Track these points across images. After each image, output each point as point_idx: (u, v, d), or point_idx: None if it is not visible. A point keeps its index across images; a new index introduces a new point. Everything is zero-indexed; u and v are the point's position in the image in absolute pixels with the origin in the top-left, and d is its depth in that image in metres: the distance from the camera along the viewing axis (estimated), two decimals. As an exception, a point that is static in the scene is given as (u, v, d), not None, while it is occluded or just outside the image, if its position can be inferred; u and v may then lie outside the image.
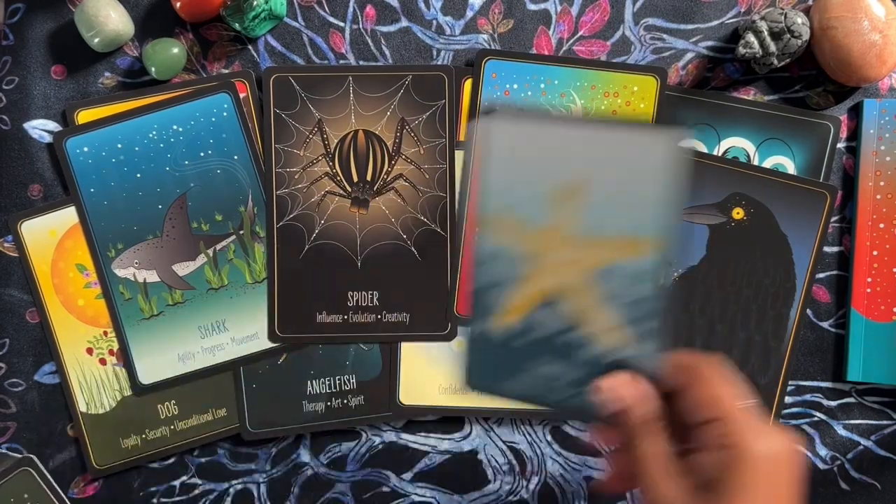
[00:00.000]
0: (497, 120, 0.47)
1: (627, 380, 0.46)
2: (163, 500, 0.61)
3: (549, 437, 0.62)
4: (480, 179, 0.48)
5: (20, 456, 0.59)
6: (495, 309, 0.49)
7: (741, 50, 0.57)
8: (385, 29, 0.61)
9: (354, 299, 0.60)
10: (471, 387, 0.50)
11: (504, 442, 0.62)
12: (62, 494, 0.60)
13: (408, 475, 0.62)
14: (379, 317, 0.60)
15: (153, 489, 0.61)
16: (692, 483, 0.45)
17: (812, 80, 0.61)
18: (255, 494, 0.61)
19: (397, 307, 0.61)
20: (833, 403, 0.61)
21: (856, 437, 0.61)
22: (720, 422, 0.44)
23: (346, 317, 0.60)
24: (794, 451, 0.45)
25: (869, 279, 0.60)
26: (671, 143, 0.47)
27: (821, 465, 0.61)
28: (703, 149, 0.60)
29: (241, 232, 0.60)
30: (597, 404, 0.46)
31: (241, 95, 0.60)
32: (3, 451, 0.60)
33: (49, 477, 0.59)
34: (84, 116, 0.60)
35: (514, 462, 0.62)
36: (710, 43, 0.61)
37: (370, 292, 0.61)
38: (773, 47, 0.57)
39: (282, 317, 0.60)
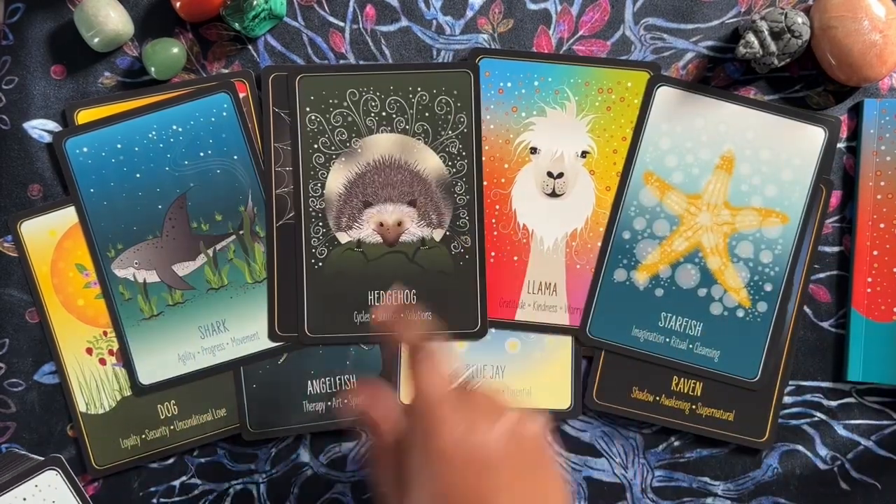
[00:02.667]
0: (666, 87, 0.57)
1: (377, 388, 0.47)
2: (162, 500, 0.61)
3: (548, 437, 0.61)
4: (644, 141, 0.58)
5: (42, 458, 0.59)
6: (641, 261, 0.59)
7: (741, 50, 0.57)
8: (385, 29, 0.61)
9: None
10: (589, 336, 0.59)
11: (504, 442, 0.62)
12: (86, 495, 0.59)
13: (408, 475, 0.62)
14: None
15: (153, 489, 0.61)
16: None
17: (812, 80, 0.61)
18: (255, 494, 0.61)
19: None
20: (833, 403, 0.61)
21: (856, 437, 0.61)
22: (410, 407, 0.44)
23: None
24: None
25: (869, 279, 0.60)
26: (819, 134, 0.58)
27: (821, 465, 0.61)
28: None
29: (241, 232, 0.60)
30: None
31: (241, 95, 0.60)
32: (23, 452, 0.60)
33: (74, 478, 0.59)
34: (84, 116, 0.60)
35: (514, 462, 0.61)
36: (710, 43, 0.61)
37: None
38: (773, 47, 0.57)
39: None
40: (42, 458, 0.58)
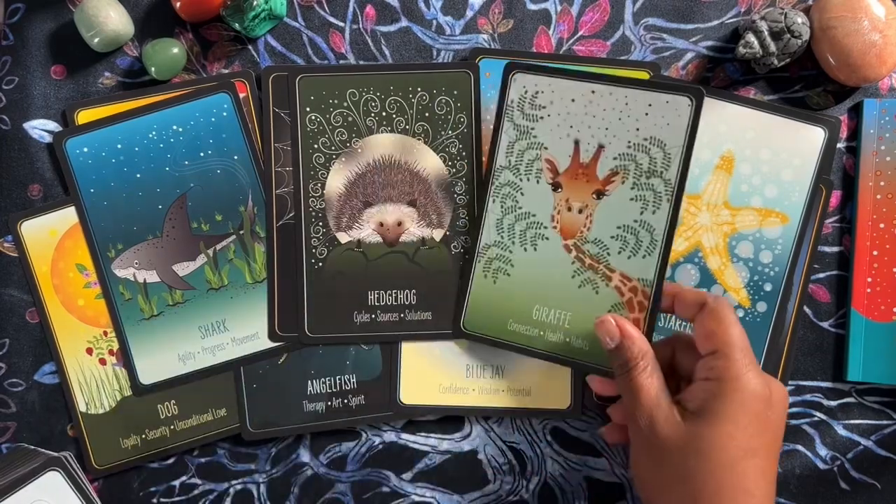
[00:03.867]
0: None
1: (625, 320, 0.54)
2: (162, 500, 0.61)
3: (549, 437, 0.62)
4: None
5: (51, 455, 0.58)
6: None
7: (741, 50, 0.57)
8: (385, 29, 0.61)
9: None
10: None
11: (504, 442, 0.62)
12: (91, 494, 0.59)
13: (408, 475, 0.62)
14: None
15: (153, 489, 0.61)
16: (682, 410, 0.49)
17: (812, 80, 0.61)
18: (255, 494, 0.61)
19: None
20: (833, 403, 0.61)
21: (856, 437, 0.61)
22: (717, 354, 0.49)
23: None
24: (782, 395, 0.50)
25: (869, 279, 0.60)
26: (819, 134, 0.58)
27: (821, 465, 0.61)
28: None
29: (241, 232, 0.60)
30: (602, 337, 0.54)
31: (241, 95, 0.60)
32: (31, 447, 0.60)
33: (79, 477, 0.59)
34: (84, 116, 0.60)
35: (514, 462, 0.62)
36: (710, 43, 0.61)
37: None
38: (773, 47, 0.57)
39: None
40: (53, 454, 0.58)
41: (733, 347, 0.49)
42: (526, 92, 0.58)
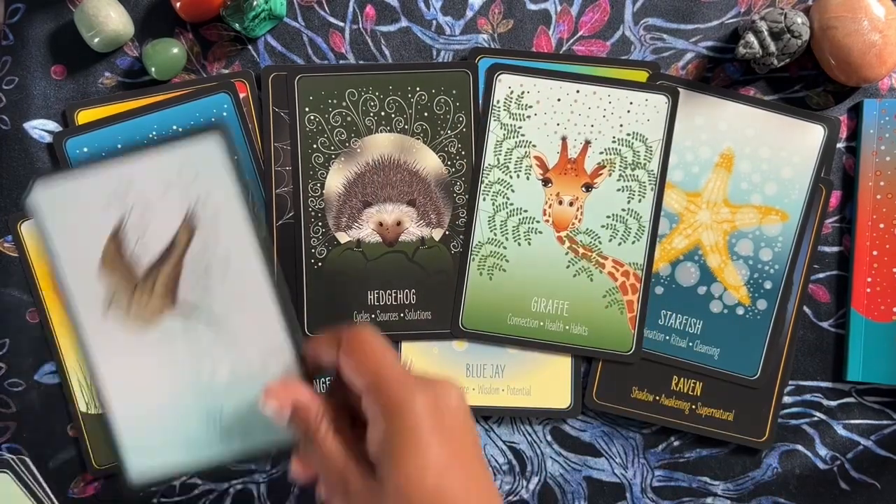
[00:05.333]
0: None
1: (289, 383, 0.44)
2: (163, 500, 0.61)
3: (549, 437, 0.62)
4: None
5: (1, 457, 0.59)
6: None
7: (741, 50, 0.57)
8: (385, 29, 0.61)
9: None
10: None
11: (504, 442, 0.62)
12: (45, 497, 0.59)
13: (408, 475, 0.62)
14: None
15: (153, 489, 0.61)
16: (367, 463, 0.41)
17: (812, 80, 0.61)
18: (255, 494, 0.61)
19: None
20: (833, 403, 0.61)
21: (856, 437, 0.61)
22: (370, 388, 0.41)
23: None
24: (455, 394, 0.41)
25: (869, 279, 0.60)
26: (819, 131, 0.59)
27: (821, 465, 0.61)
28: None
29: (241, 232, 0.60)
30: (273, 415, 0.43)
31: (241, 95, 0.60)
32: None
33: (38, 480, 0.59)
34: (84, 116, 0.60)
35: (514, 462, 0.62)
36: (709, 43, 0.61)
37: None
38: (773, 47, 0.57)
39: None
40: (6, 457, 0.58)
41: (381, 375, 0.41)
42: (511, 92, 0.60)
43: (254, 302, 0.46)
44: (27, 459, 0.59)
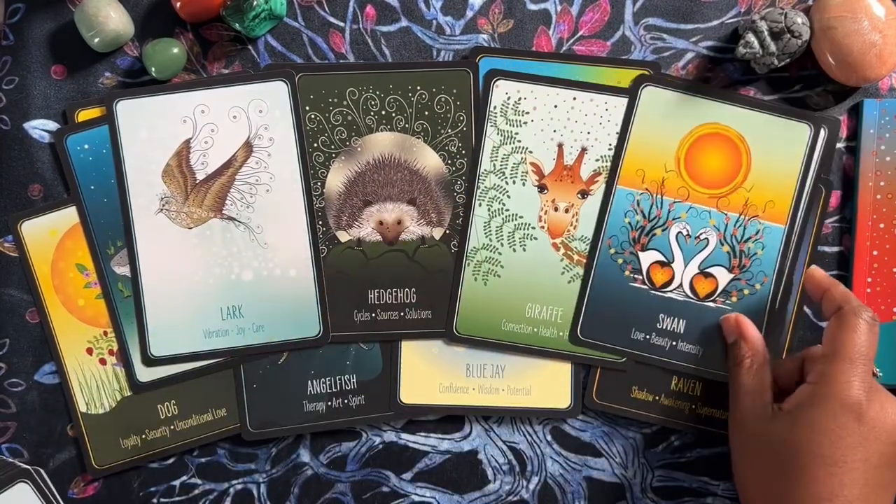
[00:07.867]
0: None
1: (745, 320, 0.57)
2: (162, 500, 0.61)
3: (549, 437, 0.62)
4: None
5: (22, 467, 0.58)
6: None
7: (741, 50, 0.57)
8: (385, 29, 0.61)
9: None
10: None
11: (504, 442, 0.62)
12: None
13: (408, 475, 0.62)
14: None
15: (153, 489, 0.61)
16: (778, 409, 0.51)
17: (812, 80, 0.61)
18: (255, 494, 0.61)
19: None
20: (833, 403, 0.61)
21: (856, 437, 0.61)
22: (826, 358, 0.49)
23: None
24: (886, 417, 0.48)
25: (869, 279, 0.60)
26: (818, 134, 0.59)
27: (821, 465, 0.61)
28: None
29: (241, 232, 0.61)
30: (724, 331, 0.58)
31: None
32: (9, 459, 0.60)
33: (53, 492, 0.59)
34: (84, 116, 0.60)
35: (514, 462, 0.62)
36: (710, 43, 0.61)
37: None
38: (773, 47, 0.57)
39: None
40: (25, 467, 0.58)
41: (841, 356, 0.49)
42: (508, 98, 0.60)
43: (287, 220, 0.57)
44: (41, 470, 0.59)
